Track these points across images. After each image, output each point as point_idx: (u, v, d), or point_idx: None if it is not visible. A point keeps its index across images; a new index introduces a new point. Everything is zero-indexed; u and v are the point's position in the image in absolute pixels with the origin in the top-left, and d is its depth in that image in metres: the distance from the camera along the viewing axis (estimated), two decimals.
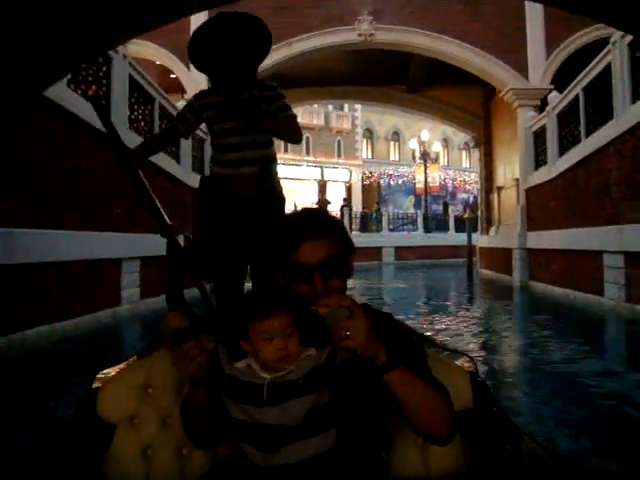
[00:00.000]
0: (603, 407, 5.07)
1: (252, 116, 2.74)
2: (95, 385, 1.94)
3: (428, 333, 8.28)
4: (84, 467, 1.80)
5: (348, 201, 35.86)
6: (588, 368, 6.40)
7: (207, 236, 2.94)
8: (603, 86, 10.38)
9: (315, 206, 22.02)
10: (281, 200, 2.97)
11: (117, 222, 9.63)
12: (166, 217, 2.83)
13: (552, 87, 14.53)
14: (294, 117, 2.91)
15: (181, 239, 3.01)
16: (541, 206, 14.26)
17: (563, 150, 12.75)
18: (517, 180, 16.15)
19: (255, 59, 2.88)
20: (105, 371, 2.01)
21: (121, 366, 2.00)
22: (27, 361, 6.64)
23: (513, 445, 1.79)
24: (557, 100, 13.12)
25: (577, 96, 11.80)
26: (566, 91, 12.49)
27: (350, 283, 1.71)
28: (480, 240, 21.32)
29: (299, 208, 1.98)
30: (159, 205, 2.84)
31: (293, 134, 2.95)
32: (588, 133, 11.20)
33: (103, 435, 1.83)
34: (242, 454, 1.51)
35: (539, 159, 14.66)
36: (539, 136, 14.61)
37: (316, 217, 1.72)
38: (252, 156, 2.86)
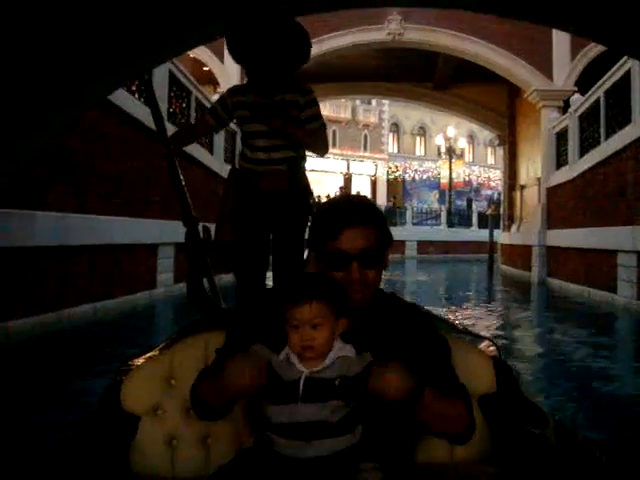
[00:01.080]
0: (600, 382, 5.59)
1: (278, 125, 2.79)
2: (119, 377, 1.97)
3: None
4: (110, 459, 1.82)
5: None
6: (593, 356, 6.92)
7: (234, 227, 2.98)
8: (623, 91, 10.72)
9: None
10: (308, 194, 3.05)
11: (154, 209, 10.23)
12: (191, 206, 3.08)
13: (575, 89, 14.85)
14: (323, 128, 2.97)
15: (200, 229, 3.19)
16: (561, 205, 14.64)
17: (583, 151, 13.12)
18: (539, 179, 16.52)
19: (292, 63, 2.89)
20: (128, 363, 2.04)
21: (144, 358, 2.02)
22: (74, 336, 7.26)
23: (538, 428, 1.77)
24: (579, 102, 13.47)
25: (598, 99, 12.14)
26: (588, 94, 12.84)
27: None
28: (502, 237, 21.66)
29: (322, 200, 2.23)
30: (187, 194, 3.09)
31: (318, 146, 2.99)
32: (607, 136, 11.56)
33: (128, 426, 1.86)
34: (268, 443, 1.49)
35: (560, 159, 15.02)
36: (561, 137, 14.97)
37: (360, 205, 1.69)
38: (280, 157, 2.91)
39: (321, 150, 3.01)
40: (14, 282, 6.60)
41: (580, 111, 13.41)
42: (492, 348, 2.01)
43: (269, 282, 3.14)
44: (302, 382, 1.45)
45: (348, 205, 1.68)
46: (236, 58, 2.96)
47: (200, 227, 3.19)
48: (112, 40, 3.61)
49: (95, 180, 8.26)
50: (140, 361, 2.01)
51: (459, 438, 1.62)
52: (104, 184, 8.51)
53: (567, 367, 6.57)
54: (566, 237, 13.81)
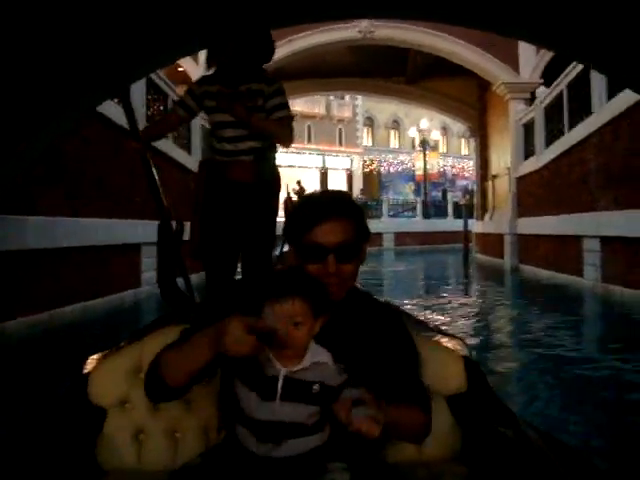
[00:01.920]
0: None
1: (240, 112, 2.79)
2: (86, 369, 1.92)
3: (425, 311, 9.30)
4: (76, 452, 1.79)
5: (363, 191, 36.66)
6: (560, 334, 7.41)
7: (203, 221, 2.96)
8: (584, 83, 11.23)
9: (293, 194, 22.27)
10: (277, 187, 3.03)
11: (136, 210, 10.53)
12: (164, 200, 3.01)
13: (541, 81, 15.38)
14: (288, 118, 2.94)
15: (173, 224, 3.13)
16: (530, 194, 15.18)
17: (549, 142, 13.66)
18: (509, 169, 17.04)
19: (256, 54, 2.89)
20: (95, 356, 1.98)
21: (112, 350, 1.98)
22: (67, 334, 7.57)
23: (507, 428, 1.77)
24: (544, 94, 14.00)
25: (561, 91, 12.66)
26: (552, 86, 13.35)
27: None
28: (476, 226, 22.18)
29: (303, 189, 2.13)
30: (160, 188, 3.03)
31: (282, 136, 2.95)
32: (571, 126, 12.07)
33: (94, 419, 1.83)
34: (236, 440, 1.50)
35: (528, 150, 15.56)
36: (529, 128, 15.50)
37: (337, 199, 1.70)
38: (248, 147, 2.90)
39: (285, 140, 2.95)
40: (9, 284, 6.91)
41: (545, 103, 13.94)
42: (462, 347, 2.01)
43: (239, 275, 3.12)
44: (281, 381, 1.45)
45: (325, 199, 1.70)
46: (209, 53, 3.03)
47: (174, 222, 3.15)
48: (106, 55, 3.94)
49: (81, 184, 8.57)
50: (108, 353, 1.96)
51: (414, 440, 1.69)
52: (89, 187, 8.81)
53: (537, 345, 7.06)
54: (535, 225, 14.35)
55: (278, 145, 3.10)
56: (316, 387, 1.46)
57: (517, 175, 16.16)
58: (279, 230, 2.49)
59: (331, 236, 1.60)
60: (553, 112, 13.47)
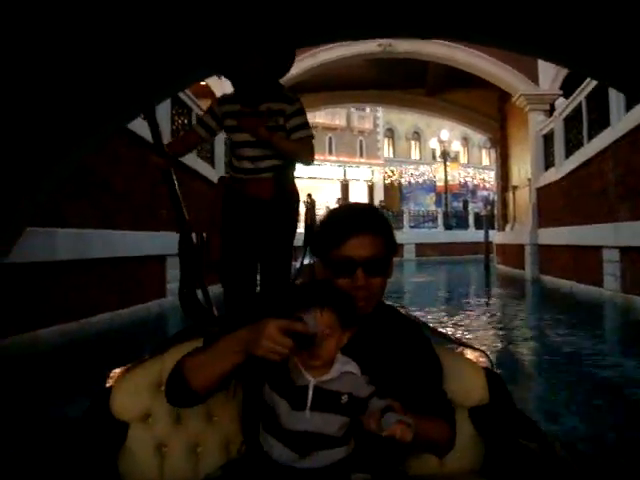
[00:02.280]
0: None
1: (262, 134, 2.79)
2: (109, 384, 1.93)
3: (447, 321, 9.46)
4: (99, 466, 1.80)
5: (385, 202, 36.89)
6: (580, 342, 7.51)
7: (222, 237, 2.95)
8: (602, 95, 11.30)
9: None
10: (295, 202, 3.02)
11: (161, 222, 10.79)
12: (185, 213, 3.02)
13: (560, 93, 15.45)
14: (309, 137, 2.93)
15: (194, 237, 3.13)
16: (550, 205, 15.22)
17: (569, 153, 13.73)
18: (529, 180, 17.10)
19: (274, 72, 2.86)
20: (118, 369, 1.99)
21: (134, 364, 1.98)
22: (95, 342, 7.81)
23: (530, 441, 1.77)
24: (564, 106, 14.07)
25: (580, 103, 12.73)
26: (571, 98, 13.43)
27: None
28: (497, 237, 22.20)
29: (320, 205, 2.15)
30: (182, 202, 3.02)
31: (303, 156, 2.94)
32: (590, 138, 12.15)
33: (117, 433, 1.84)
34: (259, 451, 1.50)
35: (548, 160, 15.61)
36: (548, 139, 15.56)
37: (367, 213, 1.71)
38: (266, 166, 2.89)
39: (306, 159, 2.96)
40: (41, 295, 7.17)
41: (564, 114, 14.02)
42: (484, 359, 2.00)
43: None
44: (311, 390, 1.45)
45: (354, 212, 1.72)
46: (222, 69, 2.98)
47: (194, 235, 3.17)
48: (135, 77, 4.16)
49: (108, 197, 8.83)
50: (130, 367, 1.97)
51: (438, 452, 1.69)
52: (115, 200, 9.08)
53: (559, 354, 7.24)
54: (556, 235, 14.38)
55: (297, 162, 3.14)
56: (345, 398, 1.46)
57: (537, 186, 16.21)
58: (299, 242, 2.55)
59: (361, 250, 1.61)
60: (572, 123, 13.54)
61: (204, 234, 3.08)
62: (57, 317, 7.48)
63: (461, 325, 9.55)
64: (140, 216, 9.95)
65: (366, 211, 1.74)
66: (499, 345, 8.02)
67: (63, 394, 5.22)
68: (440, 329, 2.42)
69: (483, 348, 2.34)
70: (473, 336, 8.36)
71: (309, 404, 1.45)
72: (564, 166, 13.86)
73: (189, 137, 3.21)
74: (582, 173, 12.52)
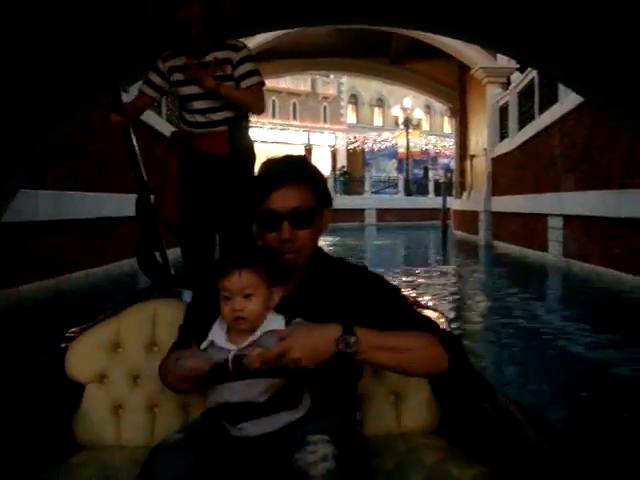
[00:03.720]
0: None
1: (209, 84, 2.69)
2: (63, 344, 1.90)
3: (406, 280, 10.23)
4: (54, 427, 1.78)
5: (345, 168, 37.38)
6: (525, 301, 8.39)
7: (179, 198, 2.87)
8: None
9: None
10: (251, 159, 2.90)
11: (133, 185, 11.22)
12: (144, 173, 2.92)
13: (517, 67, 16.11)
14: (259, 84, 2.81)
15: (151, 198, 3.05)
16: (504, 174, 16.04)
17: (522, 125, 14.49)
18: (486, 149, 17.86)
19: (214, 18, 2.72)
20: (73, 330, 1.94)
21: (89, 325, 1.94)
22: (72, 297, 8.33)
23: (486, 402, 1.78)
24: (518, 80, 14.78)
25: (533, 79, 13.44)
26: (525, 73, 14.14)
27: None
28: (454, 203, 23.04)
29: None
30: (140, 162, 2.92)
31: (253, 105, 2.83)
32: (541, 112, 12.89)
33: (72, 395, 1.82)
34: (215, 418, 1.54)
35: (503, 132, 16.39)
36: (504, 111, 16.33)
37: (293, 165, 1.68)
38: (219, 118, 2.80)
39: (257, 108, 2.86)
40: (22, 253, 7.64)
41: (519, 88, 14.74)
42: (442, 320, 1.99)
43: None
44: (230, 361, 1.44)
45: (280, 165, 1.68)
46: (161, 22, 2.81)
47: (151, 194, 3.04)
48: (107, 64, 4.54)
49: (83, 162, 9.27)
50: (85, 328, 1.94)
51: (435, 366, 1.56)
52: (91, 165, 9.52)
53: (506, 310, 8.11)
54: (508, 203, 15.22)
55: (250, 114, 3.10)
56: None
57: (493, 156, 17.00)
58: None
59: (284, 202, 1.59)
60: (526, 97, 14.28)
61: (154, 188, 2.98)
62: (38, 274, 7.98)
63: (417, 284, 10.32)
64: (113, 179, 10.39)
65: (291, 162, 1.71)
66: (453, 303, 8.78)
67: (39, 347, 5.66)
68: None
69: (437, 306, 2.60)
70: (428, 294, 9.14)
71: (232, 374, 1.45)
72: (517, 138, 14.64)
73: (140, 100, 3.00)
74: (533, 145, 13.30)
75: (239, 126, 2.85)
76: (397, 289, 1.71)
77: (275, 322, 1.50)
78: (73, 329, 1.94)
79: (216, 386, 1.50)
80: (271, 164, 1.70)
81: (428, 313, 1.98)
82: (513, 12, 5.14)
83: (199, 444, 1.44)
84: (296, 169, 1.66)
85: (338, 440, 1.39)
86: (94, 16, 4.30)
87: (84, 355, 1.87)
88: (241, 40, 2.91)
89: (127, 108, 2.88)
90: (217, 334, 1.52)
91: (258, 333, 1.48)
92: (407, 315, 1.62)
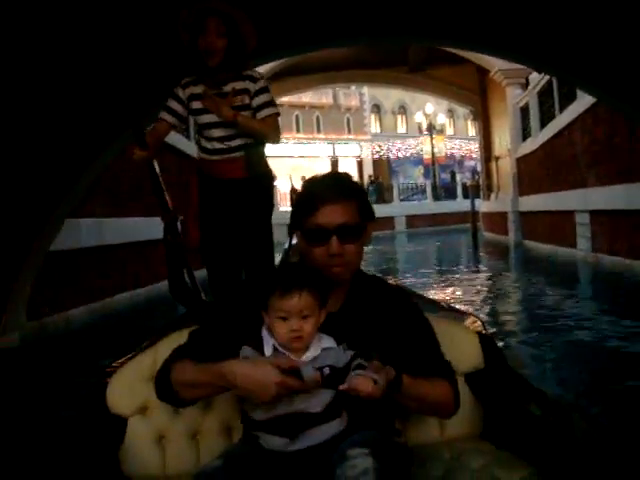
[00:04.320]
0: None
1: (227, 114, 2.75)
2: (104, 380, 1.94)
3: (440, 285, 10.45)
4: (100, 462, 1.80)
5: (376, 177, 37.63)
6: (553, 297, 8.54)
7: (201, 224, 2.93)
8: None
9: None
10: (270, 180, 2.99)
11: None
12: (169, 203, 3.02)
13: None
14: (275, 115, 2.88)
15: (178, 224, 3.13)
16: (529, 173, 16.17)
17: (543, 124, 14.65)
18: (509, 150, 18.01)
19: (236, 50, 2.79)
20: (113, 364, 1.99)
21: (127, 358, 1.99)
22: (118, 318, 8.72)
23: (529, 403, 1.76)
24: (537, 80, 14.94)
25: (551, 78, 13.58)
26: (543, 73, 14.28)
27: (366, 250, 1.77)
28: (482, 206, 23.09)
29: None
30: (165, 191, 3.03)
31: (269, 135, 2.89)
32: (561, 110, 13.03)
33: (116, 429, 1.85)
34: (254, 439, 1.53)
35: (525, 132, 16.55)
36: (525, 111, 16.48)
37: (339, 181, 1.73)
38: (238, 144, 2.86)
39: (273, 139, 2.93)
40: (69, 279, 8.06)
41: (537, 88, 14.90)
42: (477, 324, 1.99)
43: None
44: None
45: (325, 181, 1.73)
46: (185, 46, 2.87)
47: (179, 222, 3.14)
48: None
49: (120, 190, 9.70)
50: (124, 362, 1.98)
51: (444, 414, 1.70)
52: (127, 192, 9.95)
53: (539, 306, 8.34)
54: (535, 202, 15.36)
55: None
56: (327, 370, 1.47)
57: (517, 156, 17.14)
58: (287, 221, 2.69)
59: (333, 217, 1.64)
60: (545, 96, 14.44)
61: (181, 219, 3.06)
62: (84, 299, 8.39)
63: (450, 287, 10.54)
64: (148, 203, 10.81)
65: (337, 179, 1.76)
66: (487, 304, 8.96)
67: (90, 372, 5.92)
68: (432, 296, 2.50)
69: (473, 310, 2.59)
70: (464, 297, 9.34)
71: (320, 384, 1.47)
72: (539, 137, 14.79)
73: (158, 127, 3.04)
74: (555, 143, 13.44)
75: (256, 151, 2.91)
76: (429, 324, 1.74)
77: (325, 341, 1.56)
78: (113, 364, 1.98)
79: (260, 405, 1.50)
80: (316, 181, 1.75)
81: (461, 318, 2.06)
82: (522, 22, 5.42)
83: (238, 468, 1.45)
84: (341, 185, 1.70)
85: (378, 453, 1.42)
86: (128, 53, 4.67)
87: (124, 389, 1.91)
88: (257, 70, 2.99)
89: (148, 135, 2.97)
90: (267, 346, 1.56)
91: (316, 350, 1.53)
92: (433, 355, 1.69)
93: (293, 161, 35.09)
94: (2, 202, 5.70)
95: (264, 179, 2.94)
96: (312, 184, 1.75)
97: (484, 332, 1.99)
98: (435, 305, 2.13)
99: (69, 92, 4.93)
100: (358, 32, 5.46)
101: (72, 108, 4.99)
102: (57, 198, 5.90)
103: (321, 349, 1.52)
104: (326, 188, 1.68)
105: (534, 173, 15.57)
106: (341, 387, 1.41)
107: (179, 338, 1.76)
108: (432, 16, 5.34)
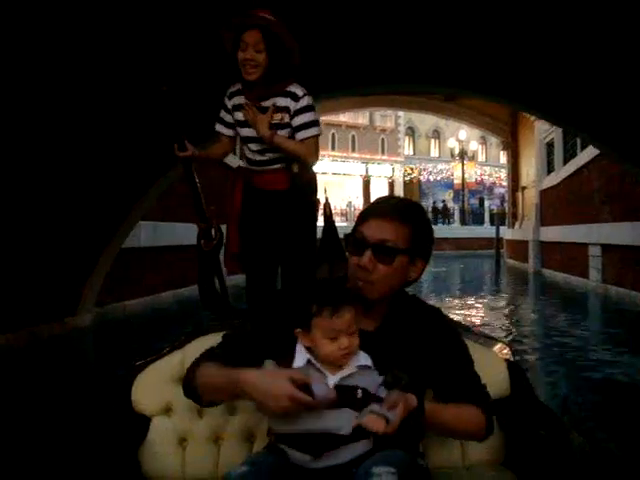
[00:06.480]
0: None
1: (264, 133, 2.72)
2: (130, 378, 1.93)
3: (462, 309, 11.26)
4: (120, 460, 1.80)
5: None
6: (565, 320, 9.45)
7: (241, 232, 2.93)
8: None
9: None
10: (312, 192, 2.92)
11: (213, 215, 12.69)
12: (206, 209, 2.99)
13: None
14: (313, 137, 2.81)
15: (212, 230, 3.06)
16: (550, 205, 17.08)
17: (566, 161, 15.55)
18: (534, 182, 18.89)
19: (279, 66, 2.72)
20: (138, 363, 1.97)
21: (154, 358, 1.97)
22: (166, 311, 9.81)
23: (552, 433, 1.75)
24: None
25: None
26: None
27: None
28: (507, 233, 23.93)
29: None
30: (201, 195, 2.98)
31: (305, 158, 2.82)
32: (582, 148, 13.91)
33: (139, 428, 1.84)
34: (281, 451, 1.50)
35: (550, 166, 17.44)
36: (550, 146, 17.38)
37: (401, 202, 1.71)
38: (278, 156, 2.82)
39: (310, 161, 2.87)
40: (128, 274, 9.19)
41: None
42: (506, 351, 1.97)
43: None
44: (335, 390, 1.45)
45: (391, 201, 1.75)
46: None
47: (213, 228, 3.08)
48: None
49: (172, 197, 10.82)
50: (151, 361, 1.96)
51: (476, 438, 1.66)
52: (178, 199, 11.06)
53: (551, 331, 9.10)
54: (554, 233, 16.24)
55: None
56: (360, 392, 1.46)
57: (541, 188, 18.04)
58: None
59: (375, 231, 1.60)
60: (569, 134, 15.30)
61: (219, 226, 3.02)
62: (138, 292, 9.51)
63: (473, 309, 11.41)
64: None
65: (402, 201, 1.75)
66: (507, 329, 9.67)
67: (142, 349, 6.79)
68: (459, 319, 2.60)
69: (495, 333, 2.85)
70: (485, 319, 10.14)
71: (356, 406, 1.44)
72: (561, 172, 15.70)
73: (221, 142, 3.04)
74: (575, 179, 14.35)
75: (297, 163, 2.85)
76: (466, 347, 1.71)
77: (362, 357, 1.53)
78: (139, 362, 1.97)
79: (294, 416, 1.44)
80: (384, 198, 1.77)
81: (491, 344, 2.01)
82: (538, 80, 6.43)
83: (264, 476, 1.43)
84: (401, 207, 1.67)
85: (403, 473, 1.40)
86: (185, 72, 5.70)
87: (150, 389, 1.90)
88: (303, 88, 2.87)
89: (215, 149, 3.01)
90: (299, 360, 1.52)
91: (353, 367, 1.50)
92: (467, 379, 1.64)
93: (327, 177, 36.01)
94: (87, 204, 6.85)
95: (306, 190, 2.89)
96: (379, 199, 1.77)
97: (512, 360, 1.98)
98: (465, 330, 2.06)
99: (143, 121, 6.03)
100: (394, 79, 6.47)
101: (146, 135, 6.12)
102: (130, 205, 7.06)
103: (356, 366, 1.50)
104: (384, 204, 1.69)
105: (555, 205, 16.45)
106: (354, 423, 1.40)
107: (208, 341, 1.76)
108: (452, 68, 6.35)
